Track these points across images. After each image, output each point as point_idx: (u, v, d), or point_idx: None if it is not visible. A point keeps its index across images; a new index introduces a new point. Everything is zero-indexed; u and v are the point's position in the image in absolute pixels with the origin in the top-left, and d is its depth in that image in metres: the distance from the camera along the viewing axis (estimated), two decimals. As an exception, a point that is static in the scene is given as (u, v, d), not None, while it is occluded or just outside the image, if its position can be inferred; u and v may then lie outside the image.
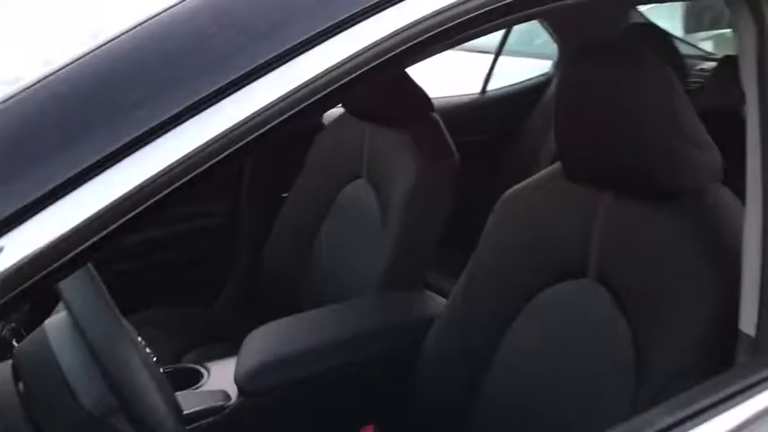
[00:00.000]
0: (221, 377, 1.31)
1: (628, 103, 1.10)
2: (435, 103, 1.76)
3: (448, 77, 2.68)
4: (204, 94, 0.57)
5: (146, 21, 0.61)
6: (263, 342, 1.34)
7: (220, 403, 1.25)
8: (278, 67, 0.59)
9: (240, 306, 2.10)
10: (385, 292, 1.62)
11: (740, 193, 0.99)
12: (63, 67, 0.59)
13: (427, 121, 1.75)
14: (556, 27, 2.60)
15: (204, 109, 0.57)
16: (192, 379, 1.32)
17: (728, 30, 3.07)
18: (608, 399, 1.14)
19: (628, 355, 1.12)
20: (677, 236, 1.10)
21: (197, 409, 1.22)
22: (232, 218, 2.14)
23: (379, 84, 1.77)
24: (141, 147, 0.56)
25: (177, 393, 1.24)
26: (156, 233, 2.02)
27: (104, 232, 0.54)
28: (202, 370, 1.34)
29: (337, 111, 1.99)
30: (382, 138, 1.79)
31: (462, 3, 0.64)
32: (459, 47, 1.00)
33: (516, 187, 1.34)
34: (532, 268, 1.27)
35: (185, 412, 1.12)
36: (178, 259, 2.05)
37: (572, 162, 1.22)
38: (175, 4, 0.62)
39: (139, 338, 0.95)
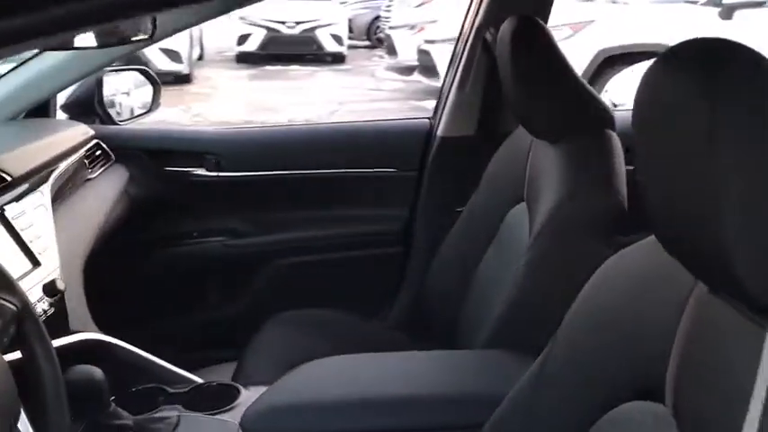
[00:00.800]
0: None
1: (723, 153, 0.68)
2: None
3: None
4: None
5: None
6: (293, 381, 1.18)
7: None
8: None
9: (404, 321, 1.95)
10: (477, 350, 1.33)
11: None
12: None
13: (594, 138, 1.38)
14: None
15: None
16: (227, 399, 1.22)
17: None
18: None
19: None
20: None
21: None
22: (409, 227, 1.98)
23: (548, 92, 1.46)
24: None
25: (188, 414, 1.17)
26: (324, 233, 1.97)
27: None
28: (243, 390, 1.23)
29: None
30: (543, 156, 1.47)
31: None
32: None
33: (624, 250, 0.96)
34: (611, 375, 0.90)
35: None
36: (346, 263, 1.97)
37: (656, 227, 0.82)
38: None
39: None
